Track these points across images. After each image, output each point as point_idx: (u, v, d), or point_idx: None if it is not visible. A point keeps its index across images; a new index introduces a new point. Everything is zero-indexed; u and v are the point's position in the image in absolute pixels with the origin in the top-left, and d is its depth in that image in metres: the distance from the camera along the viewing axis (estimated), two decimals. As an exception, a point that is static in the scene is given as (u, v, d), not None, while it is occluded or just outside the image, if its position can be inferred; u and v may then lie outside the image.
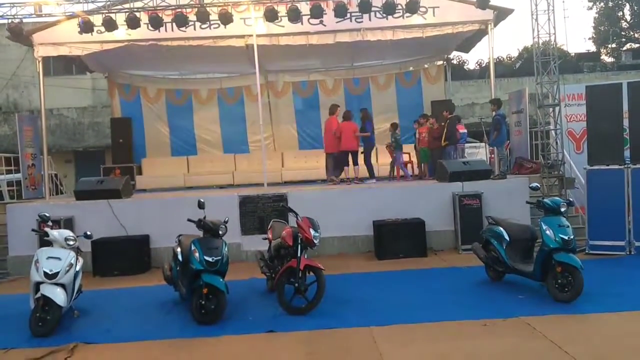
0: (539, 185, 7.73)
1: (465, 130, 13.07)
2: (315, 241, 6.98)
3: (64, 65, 21.71)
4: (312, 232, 6.95)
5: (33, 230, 7.20)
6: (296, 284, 6.80)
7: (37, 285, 6.56)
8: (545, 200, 7.19)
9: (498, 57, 30.50)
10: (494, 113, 11.68)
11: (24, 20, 10.85)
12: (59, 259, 6.68)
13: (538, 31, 10.45)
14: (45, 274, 6.53)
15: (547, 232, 6.81)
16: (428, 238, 10.25)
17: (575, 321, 6.14)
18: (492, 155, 12.64)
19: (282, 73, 16.27)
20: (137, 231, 10.48)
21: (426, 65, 16.22)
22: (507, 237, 7.53)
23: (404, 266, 9.38)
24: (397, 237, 10.07)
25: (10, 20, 10.50)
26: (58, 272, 6.58)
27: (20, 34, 10.96)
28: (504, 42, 52.45)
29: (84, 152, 22.55)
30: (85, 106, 23.22)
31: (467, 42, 14.30)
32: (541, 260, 6.88)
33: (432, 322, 6.29)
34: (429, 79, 16.09)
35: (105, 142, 19.23)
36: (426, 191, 11.02)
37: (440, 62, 16.18)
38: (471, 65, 31.37)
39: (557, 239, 6.72)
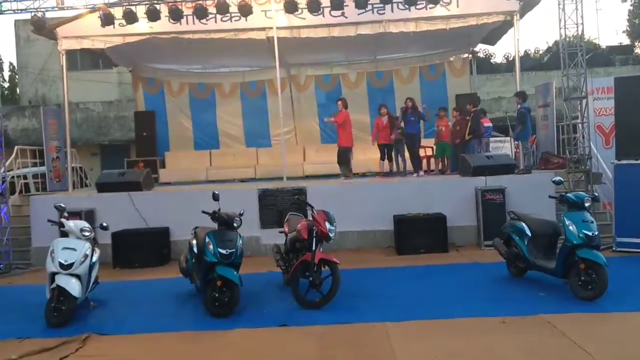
0: (562, 180, 7.47)
1: (490, 124, 12.78)
2: (331, 235, 6.87)
3: (90, 60, 22.00)
4: (327, 225, 6.84)
5: (49, 220, 7.23)
6: (311, 278, 6.71)
7: (53, 275, 6.60)
8: (568, 194, 6.96)
9: (526, 51, 29.93)
10: (519, 106, 11.39)
11: (47, 14, 10.92)
12: (74, 249, 6.71)
13: (565, 21, 10.12)
14: (61, 264, 6.56)
15: (570, 227, 6.58)
16: (450, 233, 10.06)
17: (598, 320, 5.92)
18: (517, 150, 12.34)
19: (304, 66, 16.19)
20: (158, 223, 10.52)
21: (451, 59, 15.94)
22: (529, 233, 7.32)
23: (424, 262, 9.22)
24: (418, 232, 9.91)
25: (33, 14, 10.58)
26: (73, 263, 6.60)
27: (43, 27, 11.08)
28: (533, 36, 51.41)
29: (110, 145, 22.81)
30: (112, 100, 23.48)
31: (493, 34, 14.00)
32: (564, 256, 6.65)
33: (449, 318, 6.14)
34: (454, 72, 15.82)
35: (130, 135, 19.41)
36: (448, 185, 10.81)
37: (466, 55, 15.88)
38: (498, 58, 30.80)
39: (580, 234, 6.49)
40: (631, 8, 35.59)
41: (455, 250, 10.01)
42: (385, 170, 12.84)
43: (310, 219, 7.15)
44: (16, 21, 24.48)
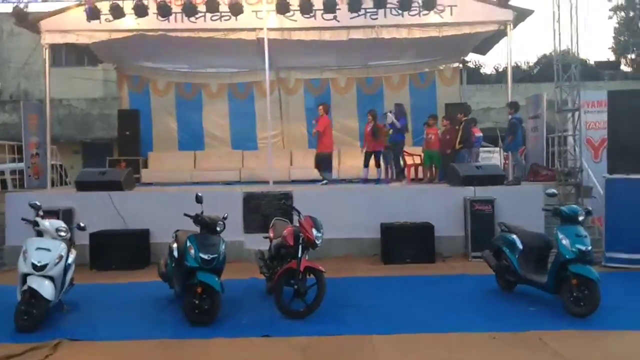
0: (556, 192, 7.33)
1: (481, 134, 12.66)
2: (317, 242, 6.64)
3: (75, 56, 21.59)
4: (314, 232, 6.62)
5: (22, 219, 6.90)
6: (296, 286, 6.46)
7: (25, 276, 6.29)
8: (562, 207, 6.81)
9: (515, 63, 29.95)
10: (510, 117, 11.27)
11: (31, 6, 10.60)
12: (48, 250, 6.40)
13: (559, 32, 10.06)
14: (34, 265, 6.24)
15: (564, 241, 6.42)
16: (437, 243, 9.87)
17: (590, 337, 5.75)
18: (507, 161, 12.24)
19: (294, 70, 15.97)
20: (138, 225, 10.19)
21: (441, 67, 15.84)
22: (520, 246, 7.14)
23: (411, 272, 9.01)
24: (405, 241, 9.71)
25: (15, 4, 10.27)
26: (47, 264, 6.29)
27: (25, 19, 10.74)
28: (522, 49, 51.88)
29: (92, 143, 22.39)
30: (96, 97, 23.07)
31: (485, 43, 13.90)
32: (556, 271, 6.49)
33: (437, 332, 5.93)
34: (444, 81, 15.70)
35: (113, 134, 19.00)
36: (437, 194, 10.64)
37: (456, 65, 15.79)
38: (488, 69, 30.88)
39: (573, 249, 6.33)
40: (617, 25, 35.98)
41: (442, 261, 9.83)
42: (363, 177, 12.64)
43: (297, 224, 6.92)
44: None
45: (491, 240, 8.01)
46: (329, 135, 12.49)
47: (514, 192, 10.38)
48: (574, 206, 7.12)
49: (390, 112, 12.53)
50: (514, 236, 7.29)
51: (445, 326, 6.09)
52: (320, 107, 12.63)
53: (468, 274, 8.79)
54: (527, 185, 10.78)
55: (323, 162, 12.47)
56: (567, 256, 6.36)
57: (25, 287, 6.21)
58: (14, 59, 24.12)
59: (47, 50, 11.88)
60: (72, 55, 21.24)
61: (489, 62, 64.71)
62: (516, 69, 27.17)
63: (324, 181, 12.23)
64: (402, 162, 12.46)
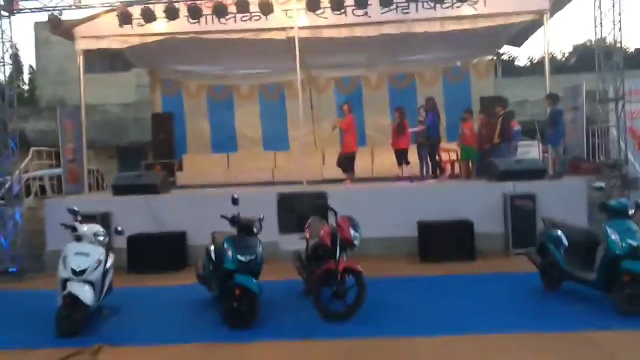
0: (603, 186, 7.05)
1: (519, 128, 12.32)
2: (355, 242, 6.52)
3: (109, 62, 21.91)
4: (352, 232, 6.49)
5: (62, 224, 6.96)
6: (335, 288, 6.34)
7: (65, 282, 6.33)
8: (610, 202, 6.53)
9: (551, 53, 29.29)
10: (550, 109, 10.90)
11: (64, 13, 10.75)
12: (87, 255, 6.43)
13: (601, 20, 9.68)
14: (73, 270, 6.29)
15: (613, 237, 6.15)
16: (476, 241, 9.63)
17: (645, 338, 5.49)
18: (546, 154, 11.88)
19: (325, 69, 15.81)
20: (175, 228, 10.24)
21: (475, 61, 15.53)
22: (565, 242, 6.89)
23: (451, 270, 8.80)
24: (444, 239, 9.52)
25: (50, 13, 10.39)
26: (86, 269, 6.33)
27: (60, 27, 10.87)
28: (557, 38, 50.65)
29: (127, 148, 22.65)
30: (130, 102, 23.35)
31: (520, 35, 13.58)
32: (605, 268, 6.22)
33: (481, 334, 5.74)
34: (478, 74, 15.38)
35: (148, 138, 19.18)
36: (475, 191, 10.40)
37: (491, 57, 15.46)
38: (522, 61, 30.21)
39: (624, 245, 6.06)
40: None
41: (483, 259, 9.58)
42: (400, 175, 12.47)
43: (334, 224, 6.79)
44: (36, 23, 24.51)
45: (534, 236, 7.77)
46: (352, 135, 12.37)
47: (556, 186, 10.07)
48: (623, 200, 6.84)
49: (422, 107, 12.33)
50: (559, 232, 7.04)
51: (490, 327, 5.91)
52: (345, 106, 12.51)
53: (510, 272, 8.53)
54: (569, 180, 10.44)
55: (346, 162, 12.35)
56: (617, 252, 6.09)
57: (65, 293, 6.25)
58: (50, 67, 24.60)
59: (81, 57, 12.03)
60: (106, 61, 21.57)
61: (523, 53, 63.52)
62: (552, 59, 26.60)
63: (346, 181, 12.11)
64: (437, 159, 12.19)
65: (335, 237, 6.52)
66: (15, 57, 29.76)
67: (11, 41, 10.19)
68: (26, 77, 33.10)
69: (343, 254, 6.51)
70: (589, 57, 10.63)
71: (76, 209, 7.06)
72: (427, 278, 8.49)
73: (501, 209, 9.92)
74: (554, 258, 6.98)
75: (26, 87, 32.69)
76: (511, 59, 28.36)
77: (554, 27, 37.66)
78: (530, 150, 13.09)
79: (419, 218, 9.89)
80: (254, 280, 6.26)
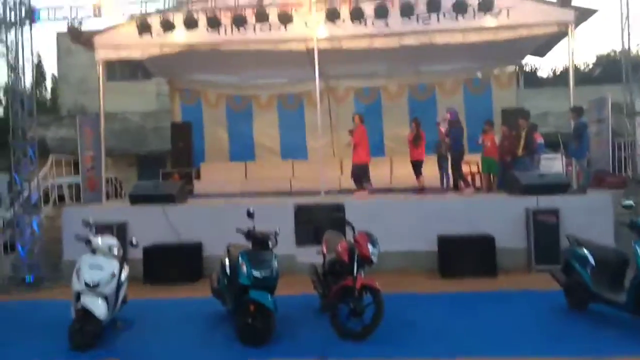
0: (632, 204, 6.79)
1: (542, 140, 12.06)
2: (373, 259, 6.36)
3: (129, 71, 22.04)
4: (370, 248, 6.33)
5: (75, 236, 6.89)
6: (351, 305, 6.18)
7: (78, 294, 6.26)
8: (640, 220, 6.27)
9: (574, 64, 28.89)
10: (574, 121, 10.63)
11: (84, 23, 10.78)
12: (101, 268, 6.35)
13: (629, 31, 9.44)
14: (86, 283, 6.21)
15: (644, 257, 5.91)
16: (497, 256, 9.39)
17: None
18: (569, 168, 11.60)
19: (344, 78, 15.75)
20: (190, 238, 10.16)
21: (496, 72, 15.32)
22: (592, 261, 6.64)
23: (471, 287, 8.58)
24: (464, 254, 9.27)
25: (70, 23, 10.43)
26: (99, 282, 6.25)
27: (80, 36, 10.91)
28: (579, 48, 49.90)
29: (146, 156, 22.73)
30: (150, 111, 23.45)
31: (544, 45, 13.32)
32: (635, 289, 5.96)
33: (503, 356, 5.53)
34: (499, 85, 15.18)
35: (167, 146, 19.24)
36: (496, 204, 10.15)
37: (512, 68, 15.23)
38: (544, 72, 29.77)
39: (655, 266, 5.81)
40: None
41: (504, 275, 9.34)
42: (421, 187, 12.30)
43: (352, 239, 6.63)
44: (58, 33, 24.75)
45: (559, 254, 7.53)
46: (364, 146, 12.27)
47: (580, 201, 9.79)
48: (654, 218, 6.56)
49: (444, 120, 12.16)
50: (585, 250, 6.79)
51: (512, 349, 5.71)
52: (356, 117, 12.44)
53: (533, 289, 8.32)
54: (594, 194, 10.16)
55: (360, 173, 12.18)
56: (648, 274, 5.84)
57: (78, 306, 6.18)
58: (71, 75, 24.83)
59: (101, 66, 12.06)
60: (126, 70, 21.71)
61: (545, 63, 62.75)
62: (575, 70, 26.19)
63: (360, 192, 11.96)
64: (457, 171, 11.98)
65: (353, 253, 6.36)
66: (38, 66, 30.23)
67: (31, 50, 10.23)
68: (49, 85, 33.49)
69: (360, 271, 6.35)
70: (613, 68, 10.36)
71: (90, 220, 6.99)
72: (446, 295, 8.27)
73: (523, 224, 9.68)
74: (580, 277, 6.74)
75: (48, 96, 33.08)
76: (533, 69, 27.97)
77: (577, 37, 37.11)
78: (553, 164, 12.81)
79: (439, 232, 9.67)
80: (269, 296, 6.13)
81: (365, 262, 6.35)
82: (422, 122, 13.97)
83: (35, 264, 10.24)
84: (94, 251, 6.65)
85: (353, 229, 6.66)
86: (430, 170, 12.71)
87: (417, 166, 12.27)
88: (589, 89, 20.23)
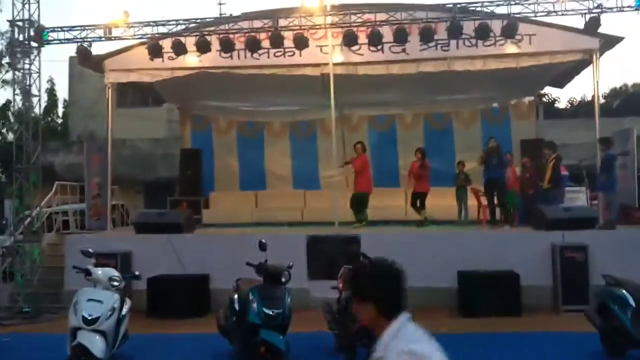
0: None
1: (567, 173, 11.59)
2: (395, 297, 5.85)
3: (140, 97, 21.86)
4: (391, 285, 5.83)
5: (74, 267, 6.47)
6: (370, 349, 5.65)
7: (75, 330, 5.79)
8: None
9: (584, 95, 28.49)
10: (603, 153, 10.15)
11: (94, 44, 10.50)
12: (100, 302, 5.91)
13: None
14: (84, 318, 5.76)
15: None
16: (521, 294, 8.86)
17: None
18: (594, 201, 11.10)
19: (358, 107, 15.36)
20: (197, 270, 9.73)
21: (513, 102, 14.93)
22: (632, 303, 6.11)
23: (495, 327, 8.04)
24: (486, 292, 8.78)
25: (79, 44, 10.18)
26: (98, 318, 5.79)
27: (89, 58, 10.65)
28: (589, 80, 49.53)
29: (155, 183, 22.39)
30: (159, 137, 23.22)
31: (563, 76, 13.00)
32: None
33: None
34: (518, 115, 14.72)
35: (176, 174, 18.91)
36: (520, 239, 9.69)
37: (531, 98, 14.84)
38: (562, 103, 29.32)
39: None
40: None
41: (529, 314, 8.78)
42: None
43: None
44: (71, 57, 24.74)
45: (588, 293, 7.02)
46: (366, 175, 11.91)
47: (609, 237, 9.29)
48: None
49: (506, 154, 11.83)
50: (624, 291, 6.26)
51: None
52: (358, 145, 12.12)
53: (561, 331, 7.78)
54: (624, 230, 9.65)
55: (359, 203, 11.72)
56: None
57: (75, 343, 5.72)
58: (82, 100, 24.73)
59: (110, 90, 11.81)
60: (137, 96, 21.52)
61: (563, 95, 62.38)
62: (591, 103, 25.77)
63: (356, 224, 11.49)
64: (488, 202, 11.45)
65: (372, 290, 5.86)
66: (51, 91, 30.22)
67: (38, 70, 9.95)
68: (60, 110, 33.45)
69: (381, 310, 5.84)
70: (631, 101, 9.96)
71: (91, 250, 6.58)
72: (468, 335, 7.76)
73: (549, 260, 9.19)
74: (618, 320, 6.20)
75: (59, 120, 33.01)
76: (550, 100, 27.59)
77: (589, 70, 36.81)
78: (578, 197, 12.29)
79: (459, 267, 9.19)
80: (281, 337, 5.65)
81: (386, 301, 5.84)
82: (438, 152, 13.68)
83: (34, 294, 9.80)
84: (94, 283, 6.22)
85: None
86: (437, 201, 12.24)
87: (421, 198, 11.78)
88: (610, 121, 19.82)
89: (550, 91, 24.33)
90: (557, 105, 28.32)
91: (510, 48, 10.69)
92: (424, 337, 2.30)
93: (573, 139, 19.08)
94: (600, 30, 10.19)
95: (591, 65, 11.19)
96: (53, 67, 32.91)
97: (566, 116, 24.41)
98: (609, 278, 6.72)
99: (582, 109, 24.44)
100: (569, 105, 28.26)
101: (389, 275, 2.29)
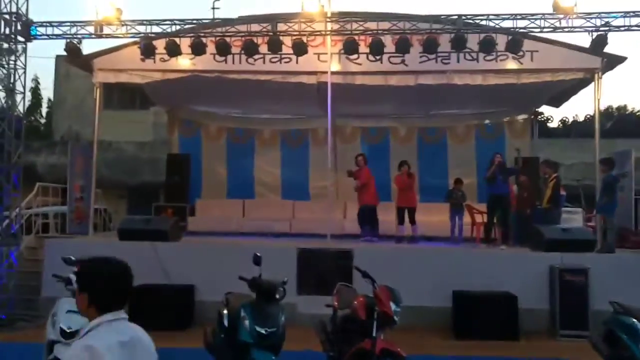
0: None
1: (564, 193, 11.39)
2: (396, 318, 5.53)
3: (127, 99, 21.42)
4: (392, 306, 5.51)
5: (54, 276, 6.03)
6: (367, 371, 5.31)
7: (52, 344, 5.36)
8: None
9: (586, 116, 28.49)
10: (604, 174, 9.96)
11: (84, 42, 10.09)
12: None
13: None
14: (62, 331, 5.33)
15: None
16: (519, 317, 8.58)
17: None
18: (592, 223, 10.89)
19: (351, 118, 15.11)
20: (182, 280, 9.32)
21: (506, 119, 14.78)
22: (643, 333, 5.82)
23: (491, 352, 7.73)
24: (482, 313, 8.50)
25: (68, 40, 9.77)
26: (77, 331, 5.34)
27: (78, 55, 10.21)
28: (581, 102, 49.87)
29: (139, 188, 21.87)
30: (145, 141, 22.74)
31: (562, 94, 12.83)
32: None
33: None
34: (513, 133, 14.57)
35: (161, 179, 18.46)
36: (517, 260, 9.41)
37: (527, 116, 14.68)
38: (553, 123, 29.30)
39: None
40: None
41: (525, 339, 8.49)
42: (398, 235, 11.55)
43: (371, 294, 5.80)
44: (57, 56, 24.24)
45: (585, 317, 6.76)
46: (372, 187, 11.71)
47: (609, 260, 9.06)
48: None
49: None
50: (634, 320, 5.97)
51: None
52: (360, 157, 11.91)
53: (561, 357, 7.48)
54: (625, 254, 9.43)
55: (367, 216, 11.42)
56: None
57: (51, 357, 5.28)
58: (67, 100, 24.23)
59: (98, 90, 11.38)
60: (124, 98, 21.07)
61: (555, 115, 62.95)
62: (584, 123, 25.73)
63: (365, 237, 11.25)
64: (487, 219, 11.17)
65: (372, 310, 5.53)
66: (35, 90, 29.58)
67: (24, 66, 9.52)
68: (44, 110, 32.79)
69: (380, 332, 5.50)
70: (619, 122, 9.85)
71: (73, 258, 6.12)
72: (463, 358, 7.42)
73: (546, 283, 8.92)
74: (628, 351, 5.88)
75: (43, 120, 32.32)
76: (544, 119, 27.63)
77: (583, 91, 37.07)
78: (574, 218, 12.09)
79: (454, 287, 8.88)
80: (273, 357, 5.26)
81: (386, 322, 5.51)
82: (430, 166, 13.48)
83: (9, 299, 9.31)
84: (74, 293, 5.78)
85: (373, 282, 5.81)
86: (428, 217, 12.06)
87: (409, 213, 11.48)
88: (602, 143, 19.76)
89: (543, 110, 24.30)
90: (549, 124, 28.39)
91: (511, 64, 10.53)
92: (117, 337, 2.47)
93: (565, 158, 19.02)
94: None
95: (589, 85, 11.12)
96: (37, 66, 32.17)
97: (557, 135, 24.41)
98: (617, 305, 6.44)
99: (573, 129, 24.41)
100: (561, 125, 28.30)
101: (102, 274, 2.57)
